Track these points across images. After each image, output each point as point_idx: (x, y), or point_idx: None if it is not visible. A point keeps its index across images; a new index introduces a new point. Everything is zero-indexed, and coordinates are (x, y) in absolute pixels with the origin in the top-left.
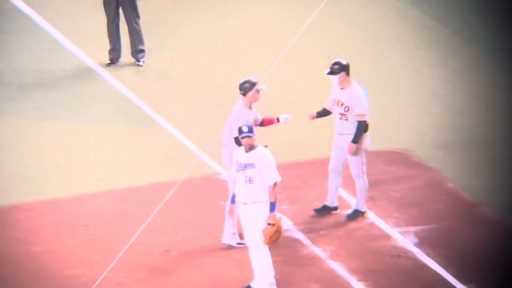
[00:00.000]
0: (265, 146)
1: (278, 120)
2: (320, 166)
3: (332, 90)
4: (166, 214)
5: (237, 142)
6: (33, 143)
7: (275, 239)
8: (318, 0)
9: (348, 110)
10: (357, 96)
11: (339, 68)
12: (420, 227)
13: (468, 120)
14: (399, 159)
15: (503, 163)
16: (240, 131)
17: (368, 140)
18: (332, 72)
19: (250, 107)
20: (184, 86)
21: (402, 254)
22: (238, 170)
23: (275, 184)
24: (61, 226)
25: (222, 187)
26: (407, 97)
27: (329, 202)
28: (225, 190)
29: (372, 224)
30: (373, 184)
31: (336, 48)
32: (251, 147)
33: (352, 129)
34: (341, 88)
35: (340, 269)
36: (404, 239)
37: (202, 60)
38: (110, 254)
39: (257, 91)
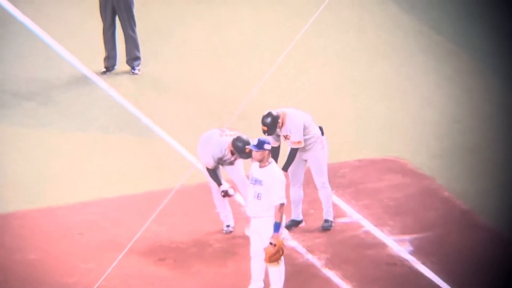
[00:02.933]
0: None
1: None
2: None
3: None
4: (161, 222)
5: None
6: (28, 151)
7: (275, 259)
8: (312, 7)
9: None
10: (292, 126)
11: (270, 130)
12: (415, 235)
13: (462, 127)
14: (394, 167)
15: (498, 169)
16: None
17: (326, 144)
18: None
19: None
20: (179, 94)
21: (397, 262)
22: (250, 183)
23: (282, 205)
24: (55, 234)
25: None
26: (401, 104)
27: (295, 216)
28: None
29: (367, 232)
30: (368, 192)
31: (329, 56)
32: (262, 162)
33: (312, 144)
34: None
35: (335, 277)
36: (399, 247)
37: (197, 68)
38: (105, 262)
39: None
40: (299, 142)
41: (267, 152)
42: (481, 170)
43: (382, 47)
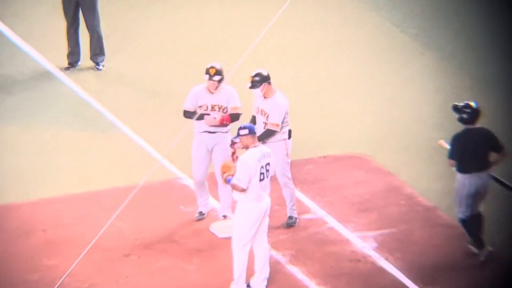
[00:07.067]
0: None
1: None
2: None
3: (254, 99)
4: (125, 218)
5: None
6: None
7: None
8: (278, 3)
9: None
10: (276, 105)
11: (260, 80)
12: (379, 232)
13: (425, 126)
14: (359, 163)
15: None
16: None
17: (290, 148)
18: (253, 86)
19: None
20: (144, 90)
21: (361, 259)
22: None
23: (234, 185)
24: (18, 230)
25: (181, 191)
26: (364, 102)
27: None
28: (185, 194)
29: (331, 229)
30: (332, 189)
31: (295, 52)
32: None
33: (276, 136)
34: (264, 98)
35: (300, 274)
36: (363, 244)
37: (161, 65)
38: (69, 259)
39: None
40: (277, 125)
41: (248, 136)
42: (444, 167)
43: (346, 44)
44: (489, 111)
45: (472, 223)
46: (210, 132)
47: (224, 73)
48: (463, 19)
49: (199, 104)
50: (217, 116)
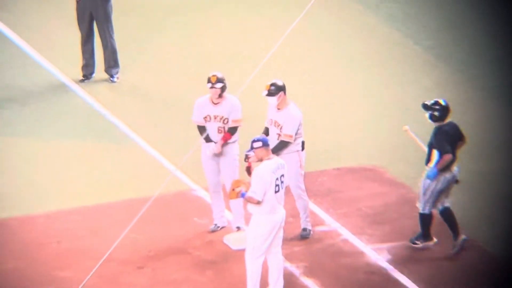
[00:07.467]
0: None
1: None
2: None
3: (268, 110)
4: (139, 230)
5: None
6: (4, 159)
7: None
8: (290, 17)
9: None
10: (289, 117)
11: (276, 89)
12: (393, 244)
13: None
14: (372, 175)
15: (475, 179)
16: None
17: (304, 159)
18: (270, 94)
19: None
20: (157, 102)
21: (375, 271)
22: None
23: (250, 198)
24: (32, 243)
25: (195, 203)
26: (378, 114)
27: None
28: (199, 205)
29: (345, 241)
30: (346, 201)
31: (308, 66)
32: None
33: (290, 148)
34: (278, 109)
35: (314, 286)
36: (377, 256)
37: (175, 77)
38: (82, 271)
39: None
40: (290, 136)
41: (262, 149)
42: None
43: (360, 57)
44: (501, 121)
45: (445, 216)
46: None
47: (226, 81)
48: (477, 32)
49: (203, 115)
50: (218, 143)
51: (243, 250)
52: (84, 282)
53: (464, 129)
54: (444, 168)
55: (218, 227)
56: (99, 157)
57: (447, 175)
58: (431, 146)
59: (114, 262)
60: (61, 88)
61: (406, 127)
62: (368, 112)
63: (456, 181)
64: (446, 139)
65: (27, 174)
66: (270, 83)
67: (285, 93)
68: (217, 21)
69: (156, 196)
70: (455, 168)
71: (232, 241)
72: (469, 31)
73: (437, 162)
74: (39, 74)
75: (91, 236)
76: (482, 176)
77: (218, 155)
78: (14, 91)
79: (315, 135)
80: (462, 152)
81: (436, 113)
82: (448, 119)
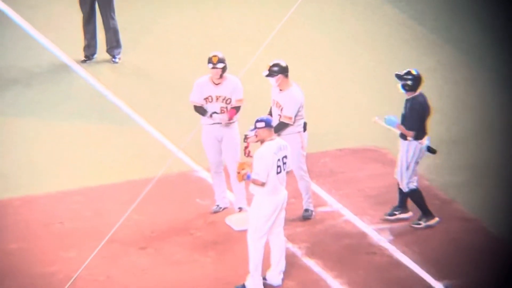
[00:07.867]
0: None
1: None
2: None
3: (272, 91)
4: (142, 211)
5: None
6: (8, 140)
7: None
8: None
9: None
10: (290, 98)
11: (277, 70)
12: (395, 224)
13: (444, 118)
14: (375, 156)
15: (478, 160)
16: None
17: (306, 141)
18: (270, 74)
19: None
20: (160, 83)
21: (377, 251)
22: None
23: (254, 180)
24: (36, 223)
25: (198, 184)
26: (382, 95)
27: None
28: (201, 187)
29: (347, 221)
30: (348, 182)
31: (311, 47)
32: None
33: (291, 129)
34: (280, 90)
35: (316, 266)
36: (379, 236)
37: (178, 58)
38: (86, 251)
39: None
40: (289, 118)
41: (265, 129)
42: (462, 160)
43: (363, 37)
44: (509, 104)
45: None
46: (218, 124)
47: (227, 62)
48: (482, 12)
49: (204, 96)
50: (226, 113)
51: (245, 231)
52: (87, 262)
53: (470, 111)
54: (422, 137)
55: (220, 208)
56: (102, 138)
57: (419, 146)
58: (404, 118)
59: (116, 242)
60: (63, 69)
61: (375, 119)
62: (371, 93)
63: (434, 151)
64: (418, 115)
65: (30, 155)
66: (272, 63)
67: (286, 75)
68: (221, 2)
69: (159, 177)
70: (426, 138)
71: (234, 222)
72: (474, 11)
73: (401, 128)
74: (41, 55)
75: (94, 217)
76: (484, 157)
77: (219, 135)
78: (17, 72)
79: (318, 116)
80: (467, 134)
81: (409, 83)
82: (420, 90)
